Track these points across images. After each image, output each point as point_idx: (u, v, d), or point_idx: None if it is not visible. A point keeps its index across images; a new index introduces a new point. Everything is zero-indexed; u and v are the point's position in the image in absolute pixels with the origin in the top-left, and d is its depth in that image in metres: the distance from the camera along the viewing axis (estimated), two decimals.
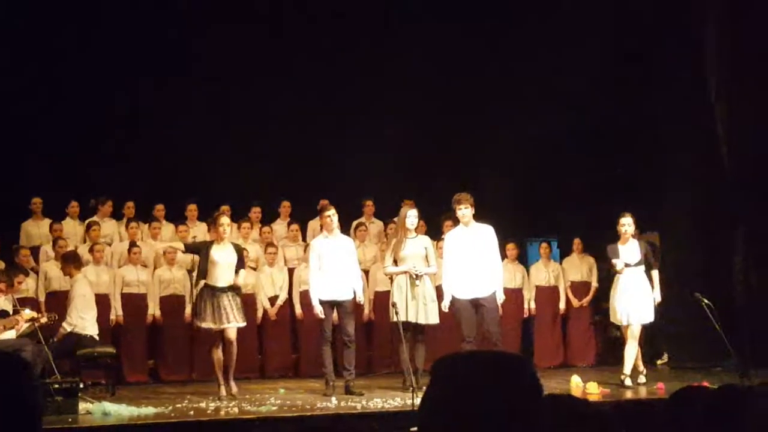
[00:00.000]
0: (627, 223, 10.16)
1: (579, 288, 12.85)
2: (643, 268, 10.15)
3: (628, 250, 10.15)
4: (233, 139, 13.56)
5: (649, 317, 10.18)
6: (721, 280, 11.63)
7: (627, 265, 10.08)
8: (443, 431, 1.74)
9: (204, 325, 9.65)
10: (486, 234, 9.81)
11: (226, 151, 13.48)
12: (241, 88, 13.77)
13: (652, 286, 10.19)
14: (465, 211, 9.70)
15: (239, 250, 9.90)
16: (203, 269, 9.75)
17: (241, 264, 9.83)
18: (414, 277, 9.87)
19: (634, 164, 13.07)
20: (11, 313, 9.49)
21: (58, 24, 13.06)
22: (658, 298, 10.20)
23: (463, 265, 9.69)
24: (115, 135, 13.28)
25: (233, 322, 9.62)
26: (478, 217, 9.88)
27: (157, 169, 13.14)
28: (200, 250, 9.91)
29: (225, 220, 9.92)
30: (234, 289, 9.72)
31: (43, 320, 9.53)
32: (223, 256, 9.65)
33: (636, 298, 10.08)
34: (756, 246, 11.88)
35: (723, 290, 11.22)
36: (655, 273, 10.27)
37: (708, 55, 11.95)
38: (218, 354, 9.73)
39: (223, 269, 9.63)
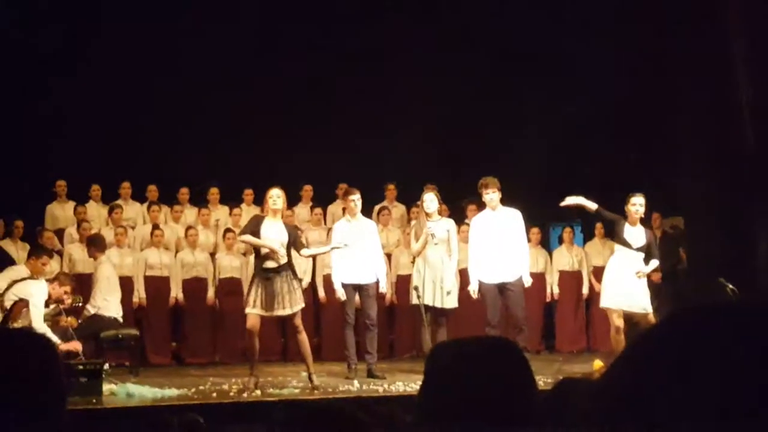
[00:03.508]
0: (639, 203, 9.35)
1: (602, 273, 12.75)
2: (642, 255, 9.33)
3: (634, 233, 9.35)
4: (254, 124, 13.56)
5: (644, 305, 9.31)
6: (744, 267, 11.45)
7: (629, 246, 9.29)
8: (441, 417, 1.77)
9: (249, 310, 8.74)
10: (513, 218, 9.74)
11: (247, 135, 13.50)
12: (258, 72, 13.75)
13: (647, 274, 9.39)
14: (492, 195, 9.64)
15: (292, 232, 9.00)
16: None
17: (295, 246, 8.92)
18: (431, 236, 9.75)
19: (653, 149, 12.95)
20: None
21: None
22: (642, 284, 9.35)
23: (490, 249, 9.60)
24: (138, 120, 13.35)
25: (287, 308, 8.73)
26: (502, 201, 9.82)
27: (179, 152, 13.19)
28: (251, 226, 8.88)
29: (275, 191, 8.85)
30: (290, 268, 8.80)
31: (68, 302, 9.58)
32: (272, 233, 8.73)
33: (630, 283, 9.28)
34: None
35: (747, 277, 11.03)
36: (654, 262, 9.39)
37: (732, 29, 11.66)
38: (255, 342, 8.80)
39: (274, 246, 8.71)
